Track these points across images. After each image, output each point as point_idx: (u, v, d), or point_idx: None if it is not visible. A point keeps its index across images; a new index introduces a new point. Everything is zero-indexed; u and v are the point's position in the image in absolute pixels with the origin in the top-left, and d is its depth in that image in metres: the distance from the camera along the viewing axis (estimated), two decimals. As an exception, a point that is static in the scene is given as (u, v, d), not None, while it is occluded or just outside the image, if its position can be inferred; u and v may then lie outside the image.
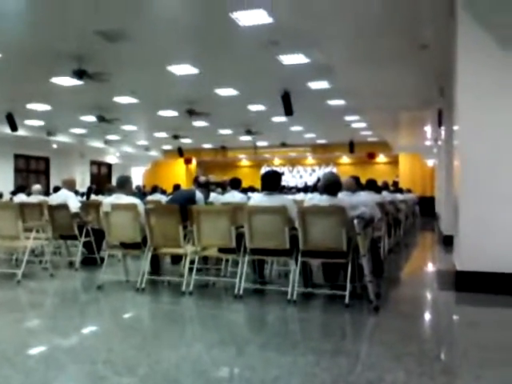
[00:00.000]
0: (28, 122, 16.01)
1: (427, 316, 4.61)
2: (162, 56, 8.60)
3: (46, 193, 12.76)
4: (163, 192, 11.95)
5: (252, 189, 11.71)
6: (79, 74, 8.96)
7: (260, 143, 23.04)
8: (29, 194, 9.78)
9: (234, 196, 7.12)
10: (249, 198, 6.63)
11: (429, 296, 5.43)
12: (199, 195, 6.36)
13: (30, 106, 13.42)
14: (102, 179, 22.90)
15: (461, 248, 5.22)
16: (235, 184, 7.43)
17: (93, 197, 11.01)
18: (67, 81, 10.04)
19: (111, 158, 24.01)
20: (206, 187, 7.02)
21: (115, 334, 3.84)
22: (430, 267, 7.67)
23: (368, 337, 3.85)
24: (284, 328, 4.14)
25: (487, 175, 5.06)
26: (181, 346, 3.45)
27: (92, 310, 4.82)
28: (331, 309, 4.55)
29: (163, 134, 19.63)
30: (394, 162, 24.02)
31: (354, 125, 17.60)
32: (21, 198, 9.59)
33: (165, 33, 7.32)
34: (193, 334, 4.05)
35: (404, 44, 7.10)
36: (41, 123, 16.45)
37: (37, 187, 9.71)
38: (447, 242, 8.24)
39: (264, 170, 22.99)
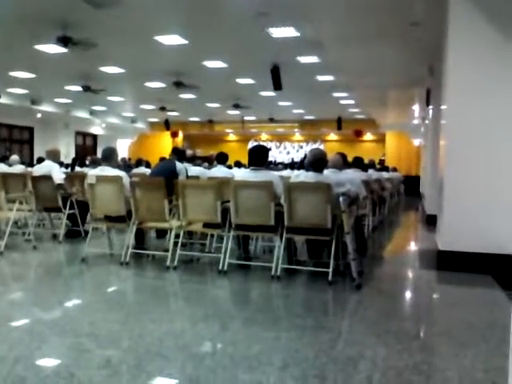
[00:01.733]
0: (11, 90, 15.66)
1: (408, 294, 4.69)
2: (149, 25, 8.41)
3: (30, 163, 12.61)
4: (148, 165, 11.86)
5: (239, 163, 11.68)
6: (64, 41, 8.72)
7: (248, 118, 22.89)
8: (10, 165, 9.67)
9: (221, 171, 7.09)
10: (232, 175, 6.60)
11: (411, 275, 5.51)
12: (180, 165, 6.26)
13: (12, 74, 13.10)
14: (88, 150, 22.63)
15: (443, 228, 5.28)
16: (222, 158, 7.39)
17: (77, 169, 10.90)
18: (52, 48, 9.77)
19: (97, 129, 23.69)
20: (183, 158, 6.86)
21: (99, 307, 3.84)
22: (413, 246, 7.77)
23: (350, 314, 3.90)
24: (267, 304, 4.19)
25: (473, 156, 5.09)
26: (164, 321, 3.47)
27: (76, 283, 4.81)
28: (314, 285, 4.59)
29: (150, 106, 19.39)
30: (380, 140, 24.10)
31: (342, 101, 17.54)
32: (1, 168, 9.46)
33: (153, 0, 7.13)
34: (177, 308, 4.07)
35: (395, 20, 7.02)
36: (24, 91, 16.10)
37: (15, 157, 9.68)
38: (430, 221, 8.34)
39: (251, 144, 22.90)
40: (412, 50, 8.62)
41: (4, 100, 15.45)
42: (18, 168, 9.22)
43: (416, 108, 16.01)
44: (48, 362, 2.74)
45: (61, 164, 8.56)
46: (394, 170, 16.86)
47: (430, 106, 9.95)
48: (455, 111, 5.21)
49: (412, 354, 2.88)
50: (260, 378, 2.53)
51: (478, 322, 3.59)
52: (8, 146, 19.23)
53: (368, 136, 25.20)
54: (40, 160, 10.14)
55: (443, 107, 5.88)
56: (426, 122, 12.78)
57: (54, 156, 7.16)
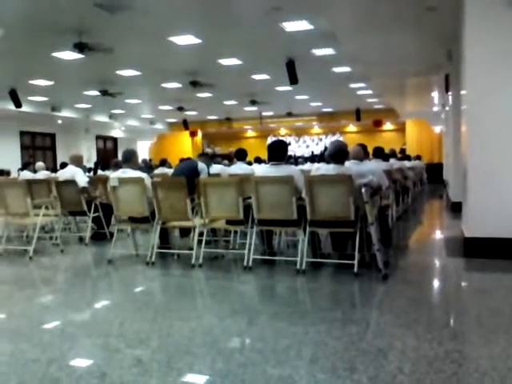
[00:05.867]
0: (32, 98, 15.93)
1: (436, 283, 4.63)
2: (163, 26, 8.46)
3: (53, 169, 12.83)
4: (171, 166, 11.94)
5: (259, 159, 11.68)
6: (80, 47, 8.84)
7: (265, 113, 22.83)
8: (35, 172, 9.86)
9: (241, 167, 7.10)
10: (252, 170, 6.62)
11: (437, 263, 5.44)
12: (201, 165, 6.35)
13: (32, 82, 13.33)
14: (108, 154, 22.90)
15: (469, 214, 5.20)
16: (241, 155, 7.40)
17: (100, 172, 11.06)
18: (68, 55, 9.92)
19: (116, 133, 23.95)
20: (210, 157, 6.99)
21: (127, 307, 3.90)
22: (439, 234, 7.67)
23: (377, 305, 3.87)
24: (294, 298, 4.18)
25: (495, 140, 5.00)
26: (192, 318, 3.49)
27: (103, 284, 4.88)
28: (340, 278, 4.57)
29: (168, 107, 19.51)
30: (400, 129, 23.78)
31: (360, 92, 17.37)
32: (26, 174, 9.66)
33: (166, 2, 7.17)
34: (204, 305, 4.10)
35: (410, 6, 6.90)
36: (45, 99, 16.37)
37: (40, 164, 9.88)
38: (455, 208, 8.21)
39: (270, 140, 22.85)
40: (429, 36, 8.47)
41: (25, 108, 15.72)
42: (43, 174, 9.39)
43: (435, 95, 15.75)
44: (80, 363, 2.79)
45: (84, 168, 8.69)
46: (418, 158, 16.61)
47: (450, 92, 9.78)
48: (475, 96, 5.12)
49: (442, 342, 2.85)
50: (290, 372, 2.53)
51: (508, 308, 3.53)
52: (31, 153, 19.58)
53: (388, 125, 24.88)
54: (63, 165, 10.31)
55: (463, 92, 5.77)
56: (447, 108, 12.57)
57: (77, 161, 7.28)
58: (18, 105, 14.35)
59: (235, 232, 5.91)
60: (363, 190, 4.40)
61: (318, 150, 23.87)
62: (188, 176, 5.51)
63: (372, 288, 4.28)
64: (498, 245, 4.89)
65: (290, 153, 17.59)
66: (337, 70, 12.93)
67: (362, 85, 15.69)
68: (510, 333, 3.00)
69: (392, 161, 9.23)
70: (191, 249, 5.21)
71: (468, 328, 3.21)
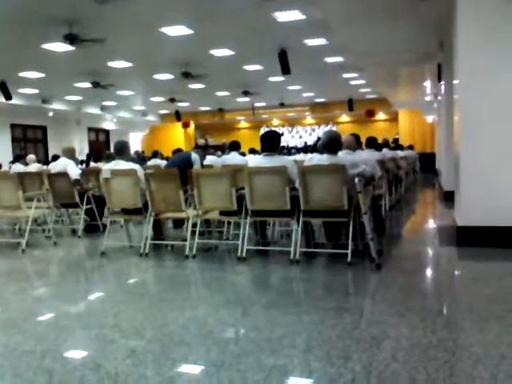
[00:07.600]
0: (22, 91, 15.78)
1: (429, 272, 4.65)
2: (154, 17, 8.38)
3: (45, 162, 12.75)
4: (163, 158, 11.90)
5: (253, 150, 11.66)
6: (71, 38, 8.75)
7: (258, 104, 22.77)
8: (26, 164, 9.80)
9: (234, 158, 7.09)
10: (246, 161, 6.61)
11: (430, 252, 5.47)
12: (194, 155, 6.33)
13: (22, 74, 13.19)
14: (101, 146, 22.77)
15: (461, 203, 5.22)
16: (234, 146, 7.40)
17: (92, 164, 11.01)
18: (59, 46, 9.82)
19: (108, 125, 23.79)
20: (204, 149, 6.97)
21: (121, 298, 3.89)
22: (431, 223, 7.70)
23: (371, 294, 3.89)
24: (288, 288, 4.19)
25: (487, 129, 5.01)
26: (186, 309, 3.50)
27: (97, 276, 4.87)
28: (334, 267, 4.59)
29: (160, 98, 19.40)
30: (393, 118, 23.82)
31: (353, 82, 17.35)
32: (17, 167, 9.60)
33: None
34: (198, 296, 4.10)
35: (403, -4, 6.90)
36: (35, 91, 16.22)
37: (31, 157, 9.85)
38: (448, 197, 8.25)
39: (263, 130, 22.80)
40: (421, 26, 8.45)
41: (16, 101, 15.59)
42: (34, 167, 9.33)
43: (428, 84, 15.76)
44: (74, 354, 2.78)
45: (76, 161, 8.63)
46: (410, 147, 16.61)
47: (442, 82, 9.79)
48: (468, 85, 5.12)
49: (436, 330, 2.87)
50: (284, 361, 2.54)
51: (501, 295, 3.56)
52: (22, 146, 19.42)
53: (380, 115, 24.91)
54: (55, 157, 10.25)
55: (455, 82, 5.78)
56: (439, 97, 12.60)
57: (69, 153, 7.23)
58: (8, 97, 14.21)
59: (229, 223, 5.91)
60: (356, 179, 4.41)
61: (311, 141, 23.85)
62: (181, 167, 5.50)
63: (365, 277, 4.30)
64: (490, 233, 4.92)
65: (283, 143, 17.57)
66: (329, 59, 12.90)
67: (354, 75, 15.68)
68: (502, 320, 3.02)
69: (385, 150, 9.23)
70: (185, 240, 5.20)
71: (461, 316, 3.23)
